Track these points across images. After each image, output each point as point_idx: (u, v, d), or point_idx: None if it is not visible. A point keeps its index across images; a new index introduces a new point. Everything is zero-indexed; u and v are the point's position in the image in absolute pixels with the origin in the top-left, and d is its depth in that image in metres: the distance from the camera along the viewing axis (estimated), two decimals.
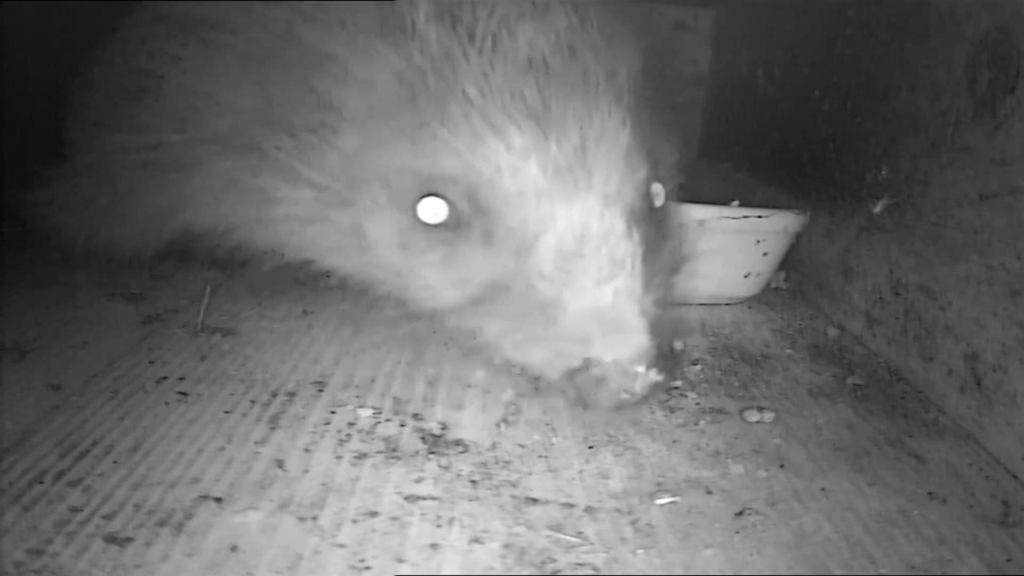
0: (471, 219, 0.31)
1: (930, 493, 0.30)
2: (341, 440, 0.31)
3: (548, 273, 0.30)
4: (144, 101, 0.39)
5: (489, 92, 0.31)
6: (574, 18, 0.33)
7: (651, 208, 0.34)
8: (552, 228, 0.30)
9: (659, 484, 0.30)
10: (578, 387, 0.30)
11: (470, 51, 0.31)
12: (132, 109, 0.40)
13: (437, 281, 0.33)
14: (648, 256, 0.32)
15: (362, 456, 0.30)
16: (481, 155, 0.30)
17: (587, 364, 0.29)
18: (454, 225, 0.32)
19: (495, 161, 0.30)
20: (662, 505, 0.28)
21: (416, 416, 0.34)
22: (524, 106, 0.30)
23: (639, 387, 0.29)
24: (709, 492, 0.29)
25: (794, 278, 0.56)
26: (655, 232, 0.34)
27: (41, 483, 0.27)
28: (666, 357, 0.30)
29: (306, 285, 0.50)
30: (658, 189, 0.35)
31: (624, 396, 0.29)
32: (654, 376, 0.30)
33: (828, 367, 0.42)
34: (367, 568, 0.24)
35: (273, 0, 0.35)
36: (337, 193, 0.34)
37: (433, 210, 0.32)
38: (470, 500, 0.28)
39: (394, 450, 0.31)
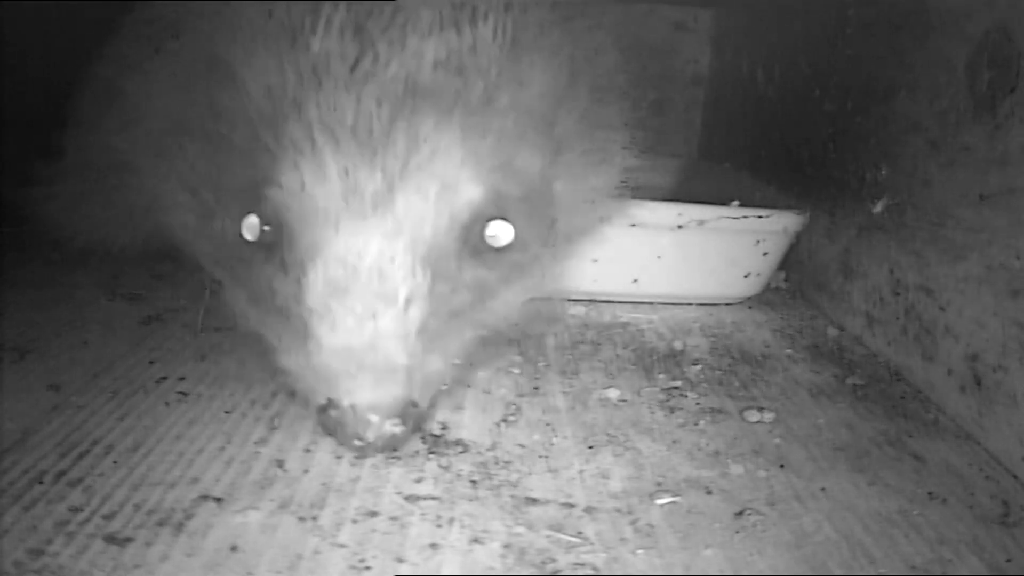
0: (277, 239, 0.30)
1: (930, 493, 0.30)
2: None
3: (312, 302, 0.27)
4: (112, 104, 0.40)
5: (323, 110, 0.29)
6: (483, 31, 0.31)
7: (485, 250, 0.31)
8: (323, 254, 0.28)
9: (659, 484, 0.30)
10: (322, 425, 0.28)
11: (335, 65, 0.29)
12: (104, 111, 0.41)
13: (241, 298, 0.32)
14: (446, 298, 0.29)
15: (362, 456, 0.30)
16: (288, 173, 0.29)
17: (329, 404, 0.27)
18: (267, 244, 0.30)
19: (298, 180, 0.28)
20: (662, 505, 0.28)
21: None
22: (351, 126, 0.28)
23: (371, 436, 0.27)
24: (709, 492, 0.29)
25: (794, 278, 0.56)
26: (483, 275, 0.31)
27: (41, 483, 0.27)
28: (419, 407, 0.28)
29: None
30: (500, 230, 0.31)
31: (358, 443, 0.27)
32: (391, 427, 0.27)
33: (828, 367, 0.42)
34: (367, 568, 0.24)
35: (225, 1, 0.34)
36: (205, 203, 0.33)
37: (251, 227, 0.30)
38: (470, 500, 0.28)
39: (394, 450, 0.31)
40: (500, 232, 0.31)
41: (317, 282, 0.28)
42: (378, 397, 0.27)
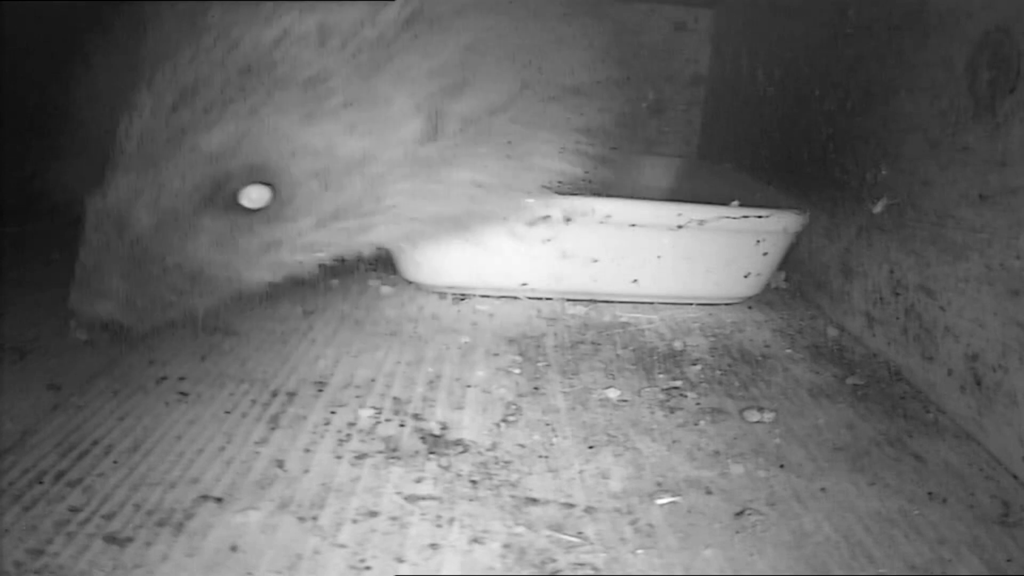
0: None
1: (930, 493, 0.30)
2: (341, 440, 0.31)
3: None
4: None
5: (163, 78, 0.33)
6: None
7: (235, 209, 0.34)
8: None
9: (659, 484, 0.30)
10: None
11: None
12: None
13: None
14: (176, 240, 0.33)
15: (362, 456, 0.30)
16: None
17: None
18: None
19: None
20: (662, 505, 0.28)
21: (416, 416, 0.34)
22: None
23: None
24: (709, 492, 0.29)
25: (794, 278, 0.56)
26: (223, 228, 0.34)
27: (41, 483, 0.27)
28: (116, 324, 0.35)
29: (306, 285, 0.50)
30: (254, 193, 0.34)
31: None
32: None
33: (828, 367, 0.42)
34: (367, 568, 0.24)
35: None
36: None
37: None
38: (470, 500, 0.28)
39: (394, 450, 0.31)
40: (254, 195, 0.34)
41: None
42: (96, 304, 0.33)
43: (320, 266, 0.39)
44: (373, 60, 0.34)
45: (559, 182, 0.42)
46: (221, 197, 0.33)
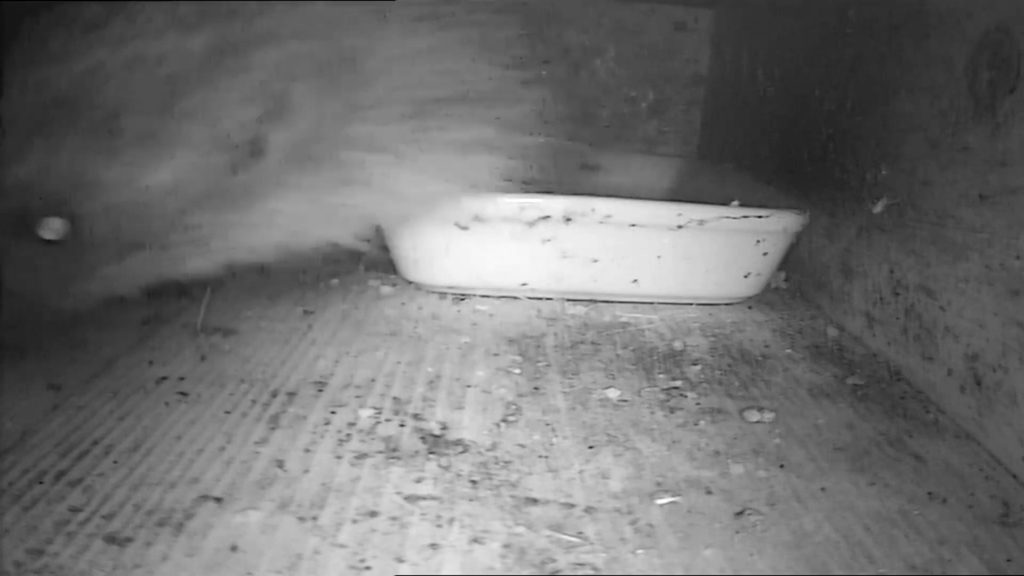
0: None
1: (930, 493, 0.30)
2: (341, 440, 0.31)
3: None
4: None
5: None
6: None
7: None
8: None
9: (659, 484, 0.30)
10: None
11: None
12: None
13: None
14: None
15: (362, 456, 0.30)
16: None
17: None
18: None
19: None
20: (662, 505, 0.28)
21: (416, 416, 0.34)
22: None
23: None
24: (709, 492, 0.29)
25: (794, 278, 0.56)
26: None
27: (41, 483, 0.27)
28: None
29: (306, 285, 0.50)
30: (50, 224, 0.34)
31: None
32: None
33: (828, 367, 0.42)
34: (367, 568, 0.24)
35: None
36: None
37: None
38: (470, 500, 0.28)
39: (394, 450, 0.31)
40: (54, 226, 0.33)
41: None
42: None
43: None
44: (175, 91, 0.33)
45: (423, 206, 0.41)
46: (24, 228, 0.33)
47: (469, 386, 0.37)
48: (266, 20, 0.35)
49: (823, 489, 0.30)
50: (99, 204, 0.34)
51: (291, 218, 0.37)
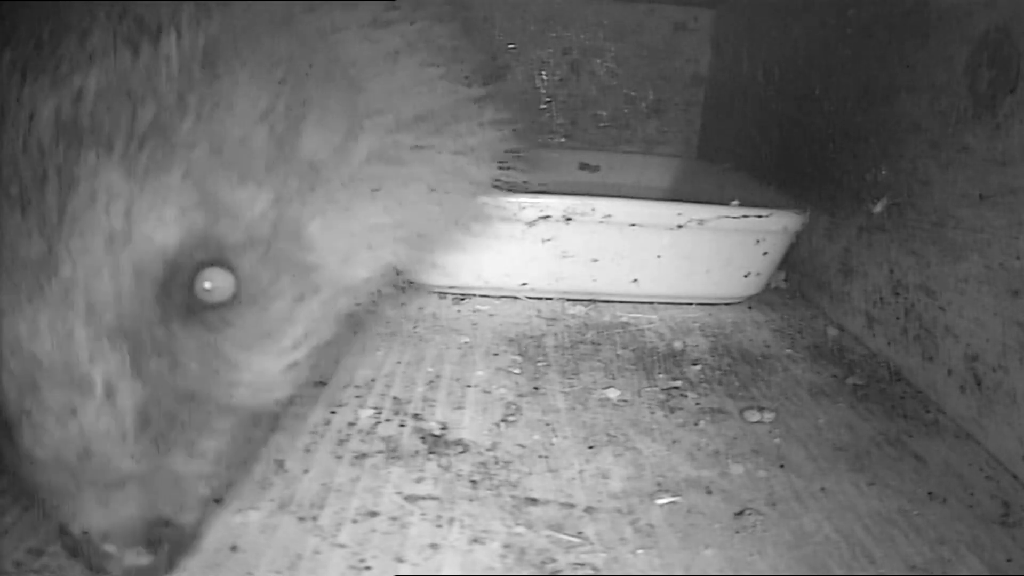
0: None
1: (930, 493, 0.30)
2: (341, 440, 0.31)
3: (5, 407, 0.22)
4: None
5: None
6: (164, 47, 0.25)
7: (201, 308, 0.25)
8: (6, 345, 0.22)
9: (659, 484, 0.30)
10: (67, 550, 0.23)
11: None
12: None
13: None
14: (164, 376, 0.23)
15: (362, 456, 0.30)
16: None
17: (62, 529, 0.22)
18: None
19: None
20: (662, 505, 0.28)
21: (416, 416, 0.34)
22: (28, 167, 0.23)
23: (116, 571, 0.22)
24: (709, 492, 0.29)
25: (794, 278, 0.56)
26: (206, 338, 0.25)
27: None
28: (174, 523, 0.23)
29: None
30: (215, 279, 0.25)
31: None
32: (135, 558, 0.22)
33: (828, 367, 0.42)
34: (367, 568, 0.24)
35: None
36: None
37: None
38: (470, 500, 0.28)
39: (394, 450, 0.31)
40: (216, 282, 0.25)
41: (7, 378, 0.22)
42: (109, 520, 0.22)
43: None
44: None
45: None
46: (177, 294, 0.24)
47: (469, 386, 0.37)
48: None
49: (823, 489, 0.30)
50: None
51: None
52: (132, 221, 0.23)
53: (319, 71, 0.29)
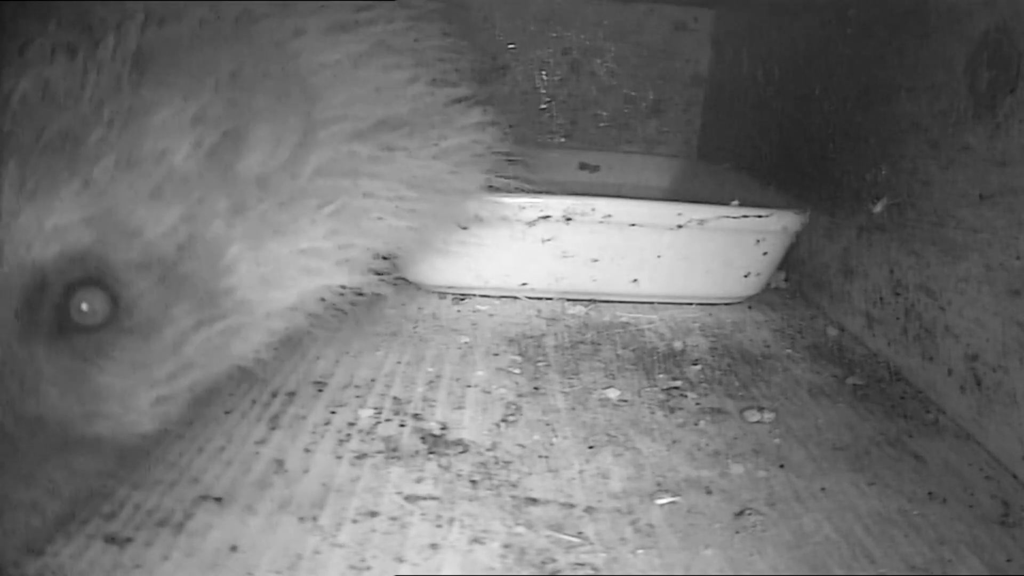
0: None
1: (930, 493, 0.30)
2: (341, 440, 0.31)
3: None
4: None
5: None
6: (101, 53, 0.24)
7: (74, 330, 0.23)
8: None
9: (659, 484, 0.30)
10: None
11: None
12: None
13: None
14: (17, 401, 0.22)
15: (362, 456, 0.30)
16: None
17: None
18: None
19: None
20: (662, 505, 0.28)
21: (416, 416, 0.34)
22: None
23: None
24: (709, 492, 0.29)
25: (794, 278, 0.56)
26: (73, 364, 0.23)
27: None
28: None
29: None
30: (90, 300, 0.24)
31: None
32: None
33: (828, 367, 0.42)
34: (367, 568, 0.24)
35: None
36: None
37: None
38: (470, 500, 0.28)
39: (394, 450, 0.31)
40: (93, 304, 0.23)
41: None
42: None
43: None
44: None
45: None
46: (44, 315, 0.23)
47: (469, 386, 0.37)
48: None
49: (823, 489, 0.30)
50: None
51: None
52: (9, 233, 0.22)
53: (271, 81, 0.27)
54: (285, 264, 0.28)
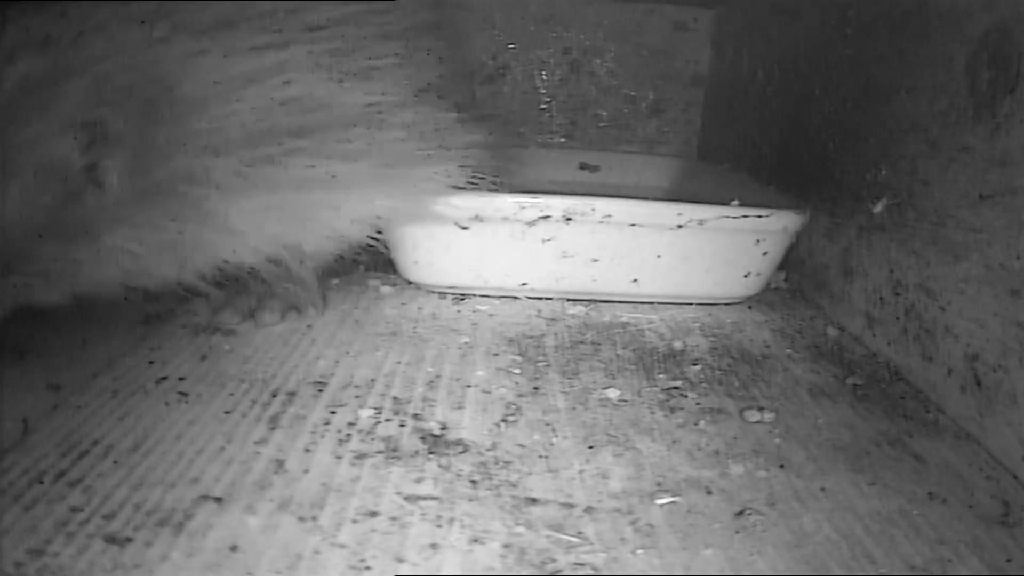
0: None
1: (930, 493, 0.30)
2: (341, 440, 0.31)
3: None
4: None
5: None
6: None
7: None
8: None
9: (659, 484, 0.30)
10: None
11: None
12: None
13: None
14: None
15: (362, 456, 0.30)
16: None
17: None
18: None
19: None
20: (662, 505, 0.28)
21: (416, 416, 0.34)
22: None
23: None
24: (709, 492, 0.29)
25: (794, 278, 0.56)
26: None
27: (41, 483, 0.27)
28: None
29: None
30: None
31: None
32: None
33: (828, 367, 0.42)
34: (367, 568, 0.24)
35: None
36: None
37: None
38: (470, 500, 0.28)
39: (394, 450, 0.31)
40: None
41: None
42: None
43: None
44: None
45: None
46: None
47: (469, 386, 0.37)
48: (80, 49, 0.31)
49: (823, 489, 0.30)
50: None
51: (132, 255, 0.35)
52: None
53: (145, 105, 0.30)
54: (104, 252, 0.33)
